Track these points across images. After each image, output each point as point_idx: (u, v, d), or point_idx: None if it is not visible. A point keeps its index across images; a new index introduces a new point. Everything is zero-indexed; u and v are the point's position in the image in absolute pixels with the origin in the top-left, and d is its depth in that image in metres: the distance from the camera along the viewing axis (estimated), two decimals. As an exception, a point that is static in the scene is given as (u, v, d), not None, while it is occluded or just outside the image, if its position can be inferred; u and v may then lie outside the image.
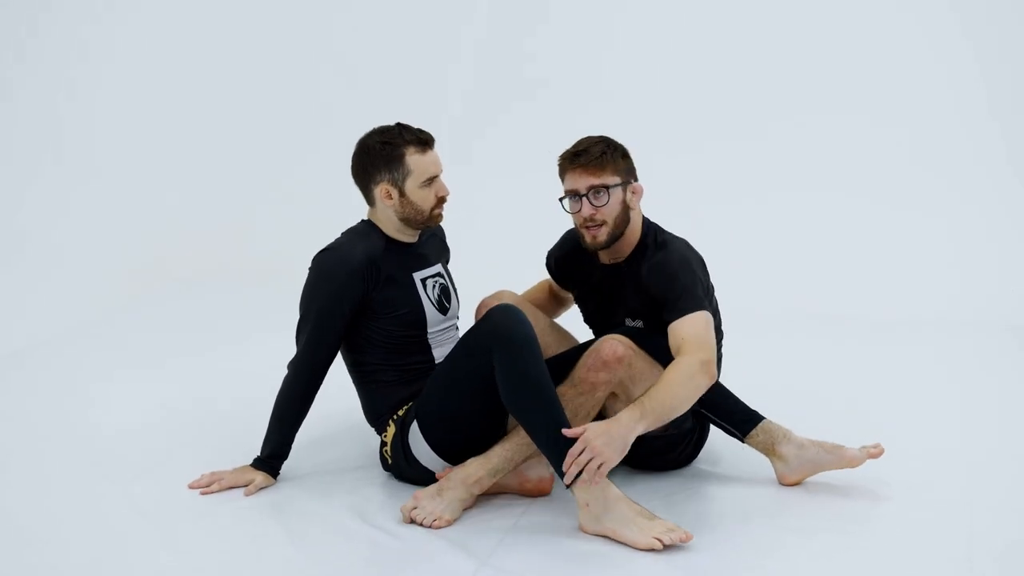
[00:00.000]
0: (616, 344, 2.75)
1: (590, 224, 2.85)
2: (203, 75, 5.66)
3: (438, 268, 2.99)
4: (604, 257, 2.97)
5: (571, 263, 3.09)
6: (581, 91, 5.48)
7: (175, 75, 5.62)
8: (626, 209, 2.87)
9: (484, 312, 2.91)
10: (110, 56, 5.48)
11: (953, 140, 5.11)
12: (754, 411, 2.95)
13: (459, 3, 5.62)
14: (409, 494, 2.83)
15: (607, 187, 2.83)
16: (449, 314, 2.97)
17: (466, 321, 3.08)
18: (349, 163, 2.88)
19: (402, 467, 2.88)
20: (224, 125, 5.66)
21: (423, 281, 2.91)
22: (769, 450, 2.90)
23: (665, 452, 2.96)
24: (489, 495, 2.83)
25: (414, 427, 2.80)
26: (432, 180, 2.83)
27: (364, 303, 2.82)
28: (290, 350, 2.90)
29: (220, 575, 2.45)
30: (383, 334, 2.85)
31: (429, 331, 2.90)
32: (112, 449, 3.16)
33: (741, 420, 2.92)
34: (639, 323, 2.92)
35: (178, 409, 3.49)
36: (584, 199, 2.84)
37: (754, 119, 5.28)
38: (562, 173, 2.88)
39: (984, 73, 5.09)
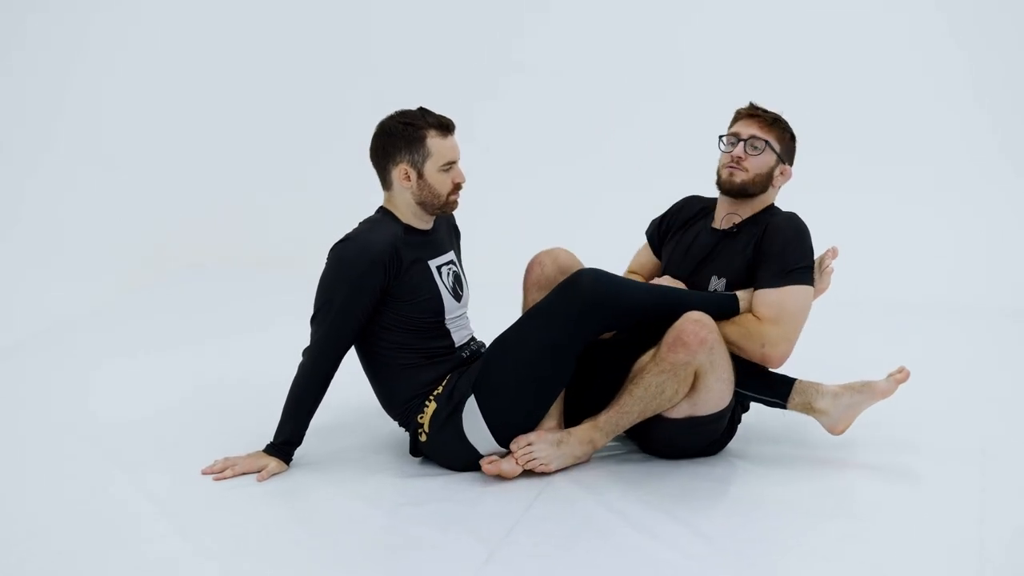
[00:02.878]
0: (699, 327, 2.77)
1: (734, 166, 2.98)
2: (216, 61, 5.65)
3: (451, 255, 2.99)
4: (720, 219, 3.05)
5: (681, 218, 3.16)
6: (593, 80, 5.49)
7: (189, 61, 5.60)
8: (770, 177, 3.01)
9: (537, 267, 3.01)
10: (123, 43, 5.46)
11: (950, 127, 5.10)
12: (783, 375, 2.98)
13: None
14: (425, 479, 2.87)
15: (767, 142, 2.98)
16: (462, 301, 2.98)
17: (474, 306, 3.10)
18: (362, 150, 2.89)
19: (441, 445, 2.87)
20: (237, 111, 5.64)
21: (438, 268, 2.92)
22: (808, 408, 2.96)
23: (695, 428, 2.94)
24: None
25: (471, 402, 2.81)
26: (450, 165, 2.85)
27: (385, 291, 2.82)
28: (303, 335, 2.91)
29: (233, 560, 2.47)
30: (405, 319, 2.86)
31: (447, 317, 2.92)
32: (125, 435, 3.16)
33: (778, 389, 2.96)
34: (723, 282, 2.98)
35: (191, 395, 3.50)
36: (742, 143, 2.98)
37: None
38: (734, 121, 3.04)
39: (981, 65, 5.08)
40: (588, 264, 3.09)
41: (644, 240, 3.27)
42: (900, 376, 2.95)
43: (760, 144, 2.97)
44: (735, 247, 2.99)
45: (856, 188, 5.07)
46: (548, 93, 5.50)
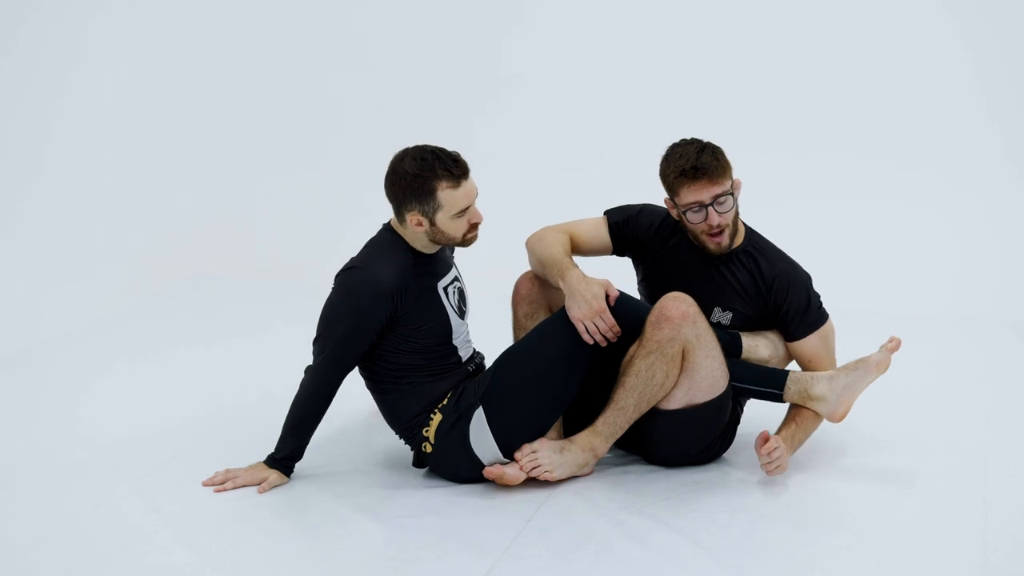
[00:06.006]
0: (680, 302, 2.79)
1: (715, 232, 2.91)
2: (215, 70, 5.65)
3: (454, 272, 2.99)
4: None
5: (651, 235, 3.08)
6: (569, 87, 5.49)
7: (189, 70, 5.61)
8: (736, 206, 2.95)
9: (526, 283, 3.03)
10: (125, 49, 5.47)
11: (953, 136, 5.09)
12: (776, 368, 2.99)
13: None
14: (426, 491, 2.87)
15: (730, 193, 2.90)
16: (466, 317, 2.99)
17: (476, 316, 3.10)
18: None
19: (445, 456, 2.87)
20: (237, 121, 5.64)
21: (445, 289, 2.91)
22: (805, 397, 2.95)
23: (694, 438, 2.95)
24: (505, 488, 2.86)
25: (478, 413, 2.82)
26: (464, 211, 2.79)
27: (391, 319, 2.81)
28: (304, 347, 2.91)
29: (234, 572, 2.47)
30: (412, 344, 2.85)
31: (454, 338, 2.91)
32: (125, 447, 3.16)
33: (773, 381, 2.96)
34: (728, 315, 3.00)
35: (191, 407, 3.49)
36: (710, 208, 2.89)
37: (750, 118, 5.27)
38: (677, 187, 2.90)
39: (984, 71, 5.06)
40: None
41: (600, 215, 3.14)
42: (891, 345, 2.95)
43: (725, 198, 2.89)
44: (731, 277, 2.99)
45: (859, 197, 5.06)
46: (543, 104, 5.49)
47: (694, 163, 2.86)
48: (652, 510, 2.75)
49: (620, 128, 5.32)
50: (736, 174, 2.96)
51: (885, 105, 5.16)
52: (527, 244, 3.08)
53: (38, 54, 5.17)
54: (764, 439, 2.81)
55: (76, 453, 3.13)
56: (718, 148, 2.92)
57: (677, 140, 2.97)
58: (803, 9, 5.28)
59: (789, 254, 3.06)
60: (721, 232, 2.91)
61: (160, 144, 5.50)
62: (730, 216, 2.92)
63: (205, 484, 2.88)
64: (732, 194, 2.91)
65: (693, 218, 2.91)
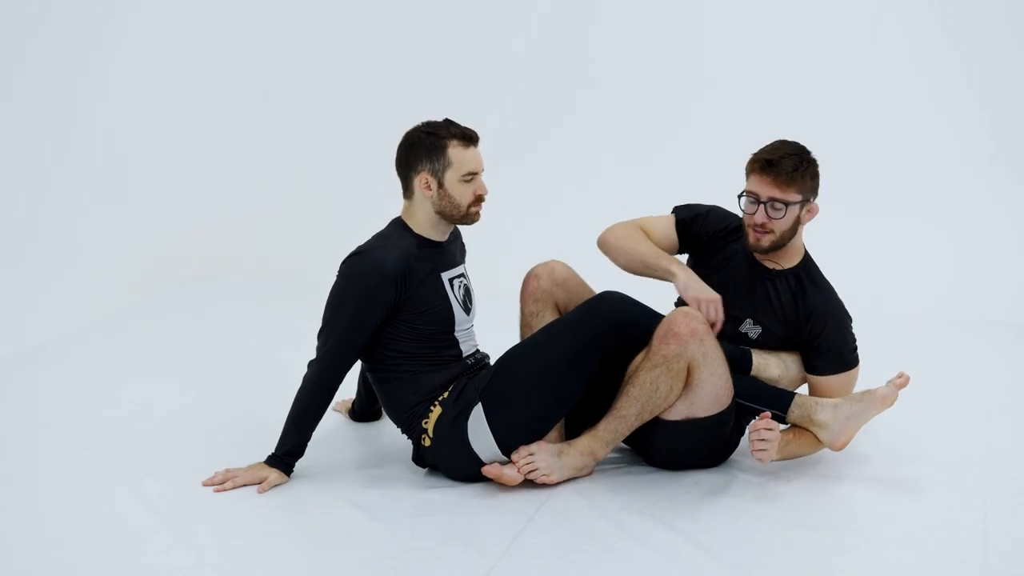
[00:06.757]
0: (689, 319, 2.79)
1: (759, 229, 2.91)
2: (223, 70, 5.65)
3: (462, 269, 3.00)
4: (761, 255, 3.00)
5: (715, 235, 3.08)
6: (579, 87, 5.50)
7: (187, 71, 5.60)
8: (796, 224, 2.93)
9: (534, 280, 3.04)
10: (129, 52, 5.47)
11: (947, 139, 5.10)
12: (783, 389, 2.98)
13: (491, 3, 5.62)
14: (426, 491, 2.87)
15: (787, 204, 2.87)
16: (471, 314, 3.00)
17: (482, 317, 3.10)
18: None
19: (444, 450, 2.87)
20: (244, 120, 5.64)
21: (450, 281, 2.93)
22: (808, 421, 2.94)
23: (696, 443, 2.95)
24: (505, 487, 2.85)
25: (477, 409, 2.82)
26: (472, 177, 2.86)
27: (395, 305, 2.83)
28: (305, 346, 2.91)
29: (234, 572, 2.47)
30: (414, 331, 2.87)
31: (456, 330, 2.93)
32: (125, 446, 3.16)
33: (778, 403, 2.95)
34: (758, 330, 2.99)
35: (191, 406, 3.49)
36: (762, 206, 2.88)
37: (750, 121, 5.27)
38: (749, 172, 2.92)
39: (974, 78, 5.08)
40: (583, 277, 3.11)
41: (670, 212, 3.14)
42: (900, 381, 2.94)
43: (780, 206, 2.87)
44: (773, 295, 2.99)
45: (855, 202, 5.06)
46: (554, 108, 5.50)
47: (772, 159, 2.87)
48: (653, 510, 2.75)
49: (623, 136, 5.33)
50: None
51: (880, 111, 5.17)
52: (606, 241, 3.08)
53: (41, 59, 5.17)
54: (764, 417, 2.83)
55: (75, 454, 3.12)
56: (809, 161, 2.90)
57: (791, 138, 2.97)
58: (799, 23, 5.27)
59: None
60: (764, 233, 2.91)
61: (159, 145, 5.50)
62: (779, 225, 2.89)
63: (205, 484, 2.88)
64: (789, 205, 2.87)
65: (746, 207, 2.92)
